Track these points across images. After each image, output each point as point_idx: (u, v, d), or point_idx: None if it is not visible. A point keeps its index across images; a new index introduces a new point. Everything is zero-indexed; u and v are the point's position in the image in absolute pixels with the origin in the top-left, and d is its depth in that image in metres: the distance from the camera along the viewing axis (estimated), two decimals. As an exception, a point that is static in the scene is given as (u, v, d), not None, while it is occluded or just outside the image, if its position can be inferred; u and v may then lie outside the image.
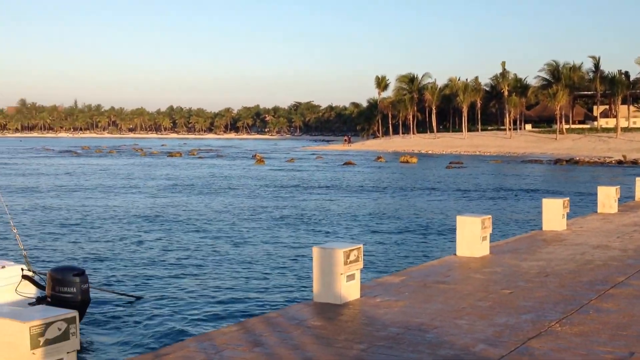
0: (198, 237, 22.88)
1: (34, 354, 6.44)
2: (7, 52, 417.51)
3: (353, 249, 10.19)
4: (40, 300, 11.09)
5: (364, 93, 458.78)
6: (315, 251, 10.21)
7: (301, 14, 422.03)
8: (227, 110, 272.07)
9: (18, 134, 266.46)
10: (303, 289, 15.21)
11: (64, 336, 6.75)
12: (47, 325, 6.62)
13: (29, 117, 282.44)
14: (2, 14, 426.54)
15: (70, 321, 6.85)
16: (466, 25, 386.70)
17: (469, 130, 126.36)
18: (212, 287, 15.43)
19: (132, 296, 13.82)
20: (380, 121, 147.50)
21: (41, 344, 6.51)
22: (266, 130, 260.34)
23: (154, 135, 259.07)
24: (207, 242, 21.95)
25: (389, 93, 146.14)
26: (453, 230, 14.66)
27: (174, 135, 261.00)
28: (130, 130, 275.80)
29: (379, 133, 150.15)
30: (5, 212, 15.78)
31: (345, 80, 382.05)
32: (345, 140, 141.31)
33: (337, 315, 9.39)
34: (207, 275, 16.80)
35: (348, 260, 10.02)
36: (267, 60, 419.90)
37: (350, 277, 10.14)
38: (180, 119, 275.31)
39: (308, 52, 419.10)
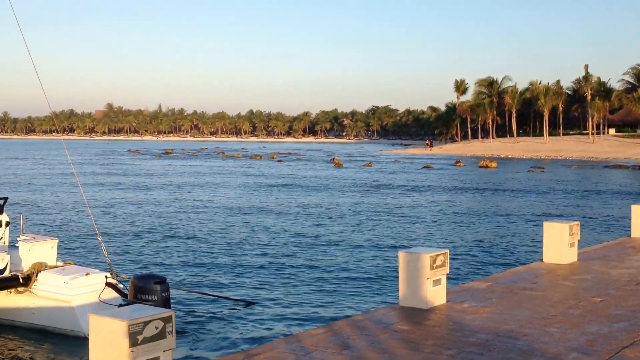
0: (282, 240, 23.18)
1: (132, 351, 6.69)
2: (96, 58, 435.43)
3: (439, 254, 10.13)
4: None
5: (442, 97, 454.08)
6: (401, 255, 10.21)
7: (378, 19, 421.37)
8: (306, 114, 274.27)
9: (105, 137, 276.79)
10: (388, 292, 15.20)
11: (161, 334, 6.99)
12: (145, 323, 6.87)
13: (116, 120, 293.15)
14: (93, 24, 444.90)
15: (166, 320, 7.09)
16: (548, 28, 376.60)
17: (550, 134, 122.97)
18: (299, 288, 15.62)
19: (240, 300, 14.06)
20: (458, 125, 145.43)
21: (139, 341, 6.75)
22: (344, 134, 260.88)
23: (234, 139, 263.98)
24: (292, 245, 22.21)
25: (467, 97, 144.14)
26: (538, 236, 14.32)
27: (254, 138, 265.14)
28: (212, 133, 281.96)
29: (457, 137, 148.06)
30: (90, 219, 16.50)
31: (423, 84, 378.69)
32: (427, 144, 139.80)
33: (424, 319, 9.36)
34: (294, 277, 17.01)
35: (434, 265, 9.98)
36: (345, 64, 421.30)
37: (437, 282, 10.09)
38: (259, 123, 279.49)
39: (386, 56, 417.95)
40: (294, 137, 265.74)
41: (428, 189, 45.92)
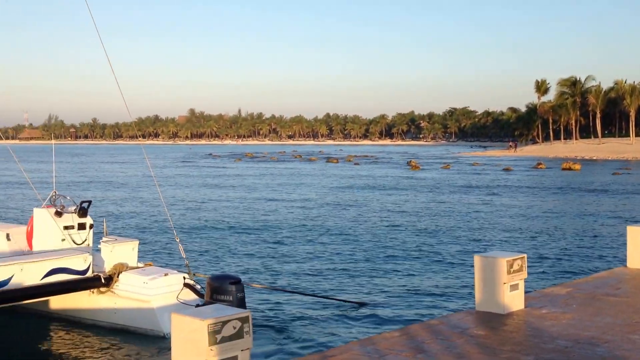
0: (358, 243, 23.23)
1: (211, 350, 6.89)
2: (179, 66, 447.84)
3: (516, 259, 9.96)
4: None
5: (522, 97, 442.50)
6: (477, 260, 10.09)
7: (456, 20, 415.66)
8: (382, 116, 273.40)
9: (188, 142, 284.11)
10: (464, 297, 15.03)
11: (239, 334, 7.17)
12: (224, 323, 7.06)
13: (198, 125, 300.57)
14: (171, 33, 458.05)
15: (244, 320, 7.26)
16: (633, 24, 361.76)
17: (637, 135, 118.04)
18: (374, 291, 15.63)
19: (343, 301, 14.19)
20: (540, 126, 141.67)
21: (218, 340, 6.95)
22: (421, 136, 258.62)
23: (311, 142, 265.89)
24: (369, 248, 22.23)
25: (549, 97, 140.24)
26: (622, 240, 13.84)
27: (330, 141, 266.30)
28: (289, 137, 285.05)
29: (538, 139, 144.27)
30: (169, 221, 16.97)
31: (503, 85, 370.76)
32: (511, 145, 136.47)
33: (501, 325, 9.22)
34: (369, 279, 17.03)
35: (511, 270, 9.81)
36: (422, 66, 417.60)
37: (514, 287, 9.92)
38: (336, 126, 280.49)
39: (464, 57, 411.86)
40: (370, 139, 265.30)
41: (507, 192, 44.97)
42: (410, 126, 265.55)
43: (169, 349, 9.67)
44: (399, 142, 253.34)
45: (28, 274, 11.43)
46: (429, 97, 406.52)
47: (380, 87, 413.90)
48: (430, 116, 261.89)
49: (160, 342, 11.58)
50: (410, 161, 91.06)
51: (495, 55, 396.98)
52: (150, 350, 11.27)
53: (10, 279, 11.15)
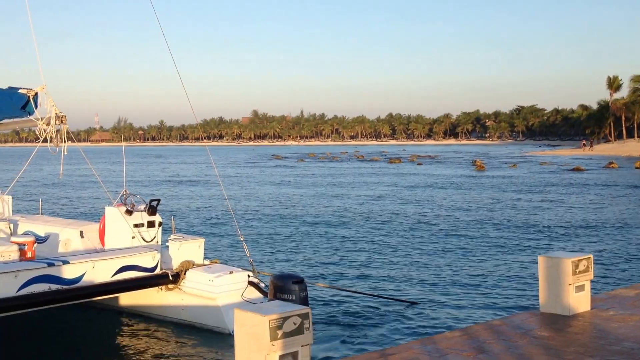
0: (421, 241, 23.13)
1: (272, 345, 7.03)
2: (242, 67, 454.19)
3: (582, 259, 9.76)
4: None
5: (593, 95, 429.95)
6: (542, 260, 9.93)
7: (522, 17, 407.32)
8: (446, 116, 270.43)
9: (251, 143, 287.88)
10: (528, 297, 14.78)
11: (299, 330, 7.29)
12: (284, 319, 7.19)
13: (261, 126, 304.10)
14: (235, 37, 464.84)
15: (304, 317, 7.38)
16: None
17: None
18: (435, 290, 15.56)
19: (404, 301, 14.22)
20: (612, 124, 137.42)
21: (279, 336, 7.08)
22: (486, 135, 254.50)
23: (374, 142, 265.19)
24: (432, 245, 22.13)
25: (622, 94, 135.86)
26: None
27: (393, 141, 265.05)
28: (352, 137, 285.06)
29: (610, 137, 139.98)
30: (233, 220, 17.28)
31: (572, 82, 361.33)
32: (584, 144, 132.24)
33: (566, 326, 9.06)
34: (430, 278, 16.96)
35: (577, 270, 9.62)
36: (488, 64, 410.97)
37: (580, 288, 9.72)
38: (399, 126, 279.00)
39: (531, 54, 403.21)
40: (434, 139, 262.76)
41: (576, 192, 43.84)
42: (475, 125, 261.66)
43: (232, 343, 9.90)
44: (464, 141, 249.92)
45: (99, 271, 11.81)
46: (495, 96, 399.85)
47: (444, 86, 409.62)
48: (497, 115, 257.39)
49: (225, 338, 11.82)
50: (475, 161, 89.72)
51: (564, 51, 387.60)
52: (215, 347, 11.51)
53: (82, 276, 11.56)
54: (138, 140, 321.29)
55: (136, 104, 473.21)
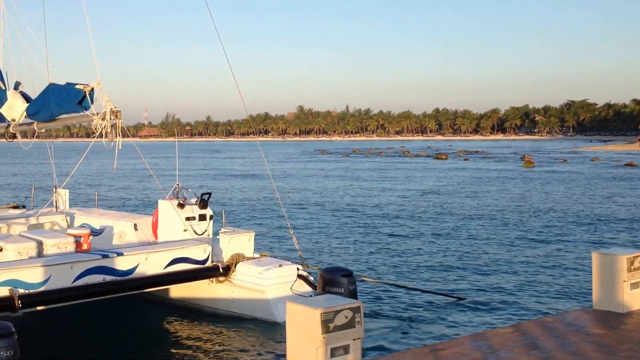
0: (472, 236, 22.96)
1: (324, 337, 7.11)
2: (288, 63, 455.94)
3: (637, 256, 9.59)
4: None
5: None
6: (595, 256, 9.79)
7: (572, 10, 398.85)
8: (494, 110, 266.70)
9: (296, 138, 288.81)
10: (580, 294, 14.56)
11: (350, 324, 7.35)
12: (336, 313, 7.26)
13: (306, 122, 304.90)
14: (280, 33, 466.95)
15: (355, 310, 7.43)
16: None
17: None
18: (485, 286, 15.43)
19: (455, 297, 14.22)
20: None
21: (330, 329, 7.15)
22: (535, 130, 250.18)
23: (420, 138, 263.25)
24: (482, 242, 21.95)
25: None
26: None
27: (439, 137, 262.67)
28: (397, 132, 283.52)
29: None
30: (283, 214, 17.42)
31: (625, 76, 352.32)
32: None
33: (620, 324, 8.92)
34: (480, 274, 16.83)
35: (632, 267, 9.45)
36: (537, 58, 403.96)
37: (635, 285, 9.56)
38: (445, 121, 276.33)
39: (582, 48, 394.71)
40: (481, 134, 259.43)
41: (629, 188, 42.83)
42: (524, 120, 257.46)
43: (283, 337, 10.02)
44: (512, 136, 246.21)
45: (152, 263, 12.05)
46: (545, 90, 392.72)
47: (492, 80, 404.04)
48: (546, 109, 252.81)
49: (274, 330, 11.95)
50: (524, 156, 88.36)
51: (616, 45, 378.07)
52: (265, 339, 11.63)
53: (135, 267, 11.81)
54: (185, 136, 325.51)
55: (184, 100, 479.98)
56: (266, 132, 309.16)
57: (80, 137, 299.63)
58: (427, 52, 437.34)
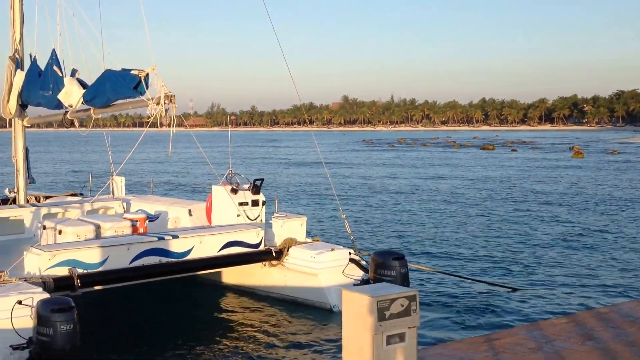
0: (528, 227, 22.69)
1: (380, 325, 7.18)
2: (332, 53, 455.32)
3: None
4: (363, 283, 11.91)
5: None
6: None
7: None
8: (542, 100, 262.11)
9: (341, 128, 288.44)
10: (636, 286, 14.35)
11: (406, 312, 7.38)
12: (392, 301, 7.32)
13: (351, 112, 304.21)
14: (326, 22, 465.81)
15: (411, 299, 7.47)
16: None
17: None
18: (539, 277, 15.29)
19: (510, 287, 14.15)
20: None
21: (386, 317, 7.21)
22: (584, 121, 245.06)
23: (466, 128, 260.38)
24: (537, 232, 21.70)
25: None
26: None
27: (486, 127, 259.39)
28: (443, 122, 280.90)
29: None
30: (335, 199, 17.54)
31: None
32: None
33: (678, 316, 8.80)
34: (536, 265, 16.67)
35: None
36: (586, 47, 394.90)
37: (694, 277, 9.40)
38: (492, 111, 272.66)
39: (632, 37, 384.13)
40: (528, 125, 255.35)
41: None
42: (572, 110, 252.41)
43: (336, 321, 10.15)
44: (560, 127, 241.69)
45: (206, 246, 12.24)
46: (594, 80, 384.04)
47: (540, 69, 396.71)
48: (595, 100, 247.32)
49: (327, 315, 12.08)
50: (572, 147, 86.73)
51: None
52: (318, 322, 11.74)
53: (190, 250, 12.01)
54: (230, 126, 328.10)
55: (228, 89, 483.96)
56: (311, 122, 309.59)
57: (127, 126, 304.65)
58: (474, 40, 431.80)
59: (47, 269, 10.32)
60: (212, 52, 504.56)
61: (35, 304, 8.75)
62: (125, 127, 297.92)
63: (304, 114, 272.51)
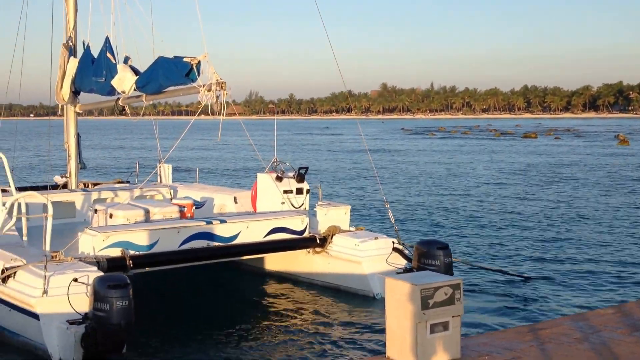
0: (567, 217, 22.41)
1: (424, 313, 7.23)
2: (371, 41, 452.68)
3: None
4: (407, 271, 11.93)
5: None
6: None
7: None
8: (586, 87, 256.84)
9: (380, 116, 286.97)
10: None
11: (450, 301, 7.42)
12: (435, 289, 7.35)
13: (390, 100, 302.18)
14: (366, 9, 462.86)
15: (455, 287, 7.50)
16: None
17: None
18: (583, 267, 15.11)
19: (520, 276, 14.07)
20: None
21: (430, 305, 7.25)
22: (630, 108, 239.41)
23: (507, 116, 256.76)
24: (577, 222, 21.43)
25: None
26: None
27: (528, 115, 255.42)
28: (484, 110, 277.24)
29: None
30: (379, 189, 17.52)
31: None
32: None
33: None
34: (579, 255, 16.48)
35: None
36: (633, 32, 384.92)
37: None
38: (534, 99, 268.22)
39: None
40: (572, 112, 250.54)
41: None
42: (618, 98, 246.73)
43: (379, 309, 10.20)
44: (605, 114, 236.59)
45: (253, 232, 12.43)
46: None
47: (584, 55, 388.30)
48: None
49: (370, 302, 12.15)
50: (618, 134, 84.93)
51: None
52: (361, 309, 11.82)
53: (237, 235, 12.22)
54: (268, 114, 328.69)
55: (266, 77, 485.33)
56: (349, 110, 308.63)
57: (166, 114, 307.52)
58: (515, 26, 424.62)
59: (100, 250, 10.67)
60: (252, 40, 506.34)
61: (90, 281, 9.08)
62: (164, 116, 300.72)
63: (348, 100, 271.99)
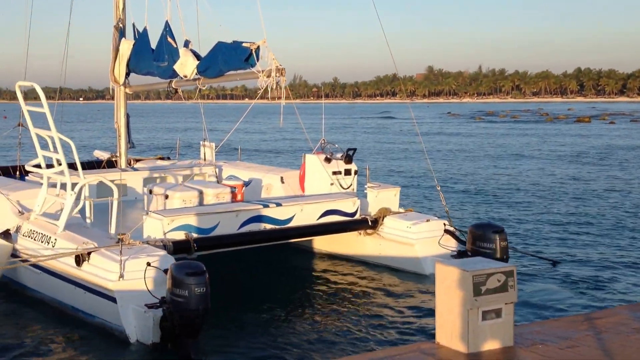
0: (627, 205, 21.79)
1: (476, 300, 7.06)
2: (417, 23, 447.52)
3: None
4: (460, 254, 11.92)
5: None
6: None
7: None
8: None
9: (425, 100, 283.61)
10: None
11: (503, 287, 7.24)
12: (488, 276, 7.18)
13: (436, 83, 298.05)
14: None
15: (509, 274, 7.31)
16: None
17: None
18: (634, 255, 14.67)
19: (550, 260, 13.82)
20: None
21: (482, 292, 7.09)
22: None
23: (559, 99, 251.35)
24: (632, 209, 20.87)
25: None
26: None
27: (581, 98, 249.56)
28: (534, 94, 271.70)
29: None
30: (430, 172, 17.29)
31: None
32: None
33: None
34: (625, 241, 16.06)
35: None
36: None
37: None
38: (588, 82, 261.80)
39: None
40: (628, 96, 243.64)
41: None
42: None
43: (431, 293, 10.08)
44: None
45: (307, 214, 12.51)
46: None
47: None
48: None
49: (423, 284, 12.07)
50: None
51: None
52: (414, 292, 11.78)
53: (292, 217, 12.32)
54: (312, 98, 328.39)
55: (310, 61, 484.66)
56: (394, 94, 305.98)
57: (211, 99, 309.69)
58: (567, 7, 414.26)
59: (166, 233, 10.86)
60: (296, 22, 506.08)
61: (161, 265, 9.30)
62: (209, 100, 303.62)
63: (395, 83, 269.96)
